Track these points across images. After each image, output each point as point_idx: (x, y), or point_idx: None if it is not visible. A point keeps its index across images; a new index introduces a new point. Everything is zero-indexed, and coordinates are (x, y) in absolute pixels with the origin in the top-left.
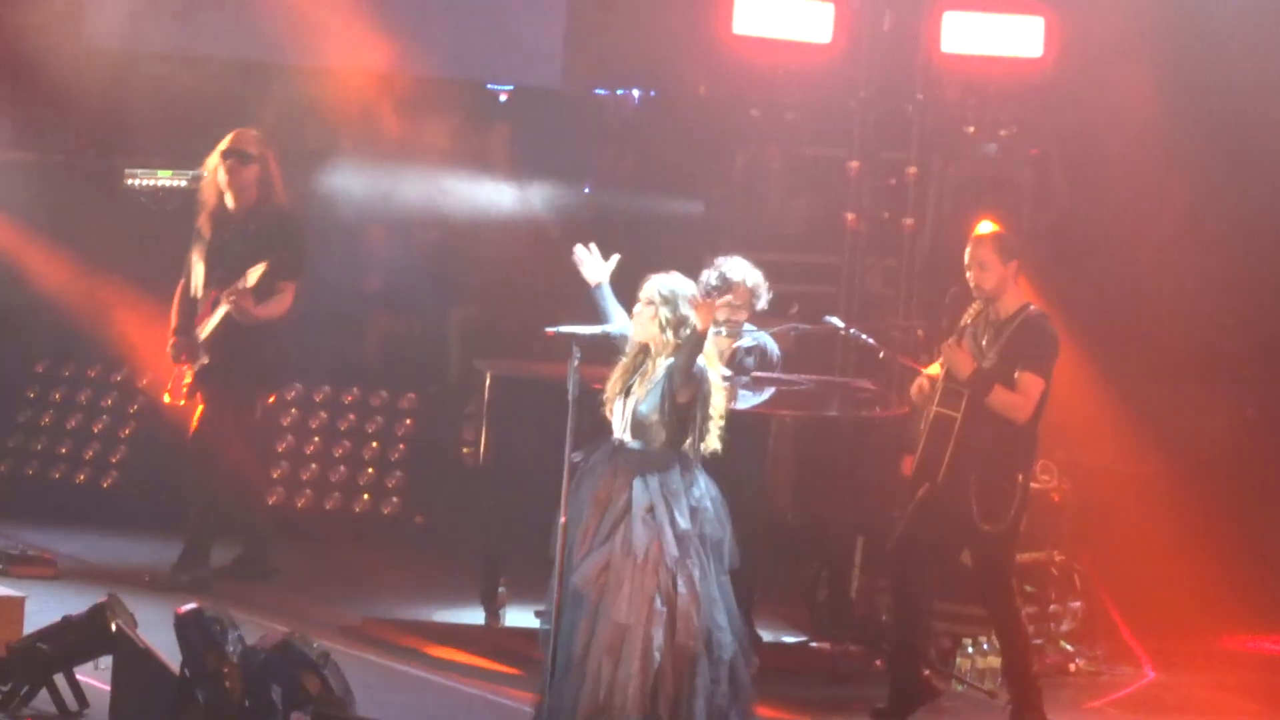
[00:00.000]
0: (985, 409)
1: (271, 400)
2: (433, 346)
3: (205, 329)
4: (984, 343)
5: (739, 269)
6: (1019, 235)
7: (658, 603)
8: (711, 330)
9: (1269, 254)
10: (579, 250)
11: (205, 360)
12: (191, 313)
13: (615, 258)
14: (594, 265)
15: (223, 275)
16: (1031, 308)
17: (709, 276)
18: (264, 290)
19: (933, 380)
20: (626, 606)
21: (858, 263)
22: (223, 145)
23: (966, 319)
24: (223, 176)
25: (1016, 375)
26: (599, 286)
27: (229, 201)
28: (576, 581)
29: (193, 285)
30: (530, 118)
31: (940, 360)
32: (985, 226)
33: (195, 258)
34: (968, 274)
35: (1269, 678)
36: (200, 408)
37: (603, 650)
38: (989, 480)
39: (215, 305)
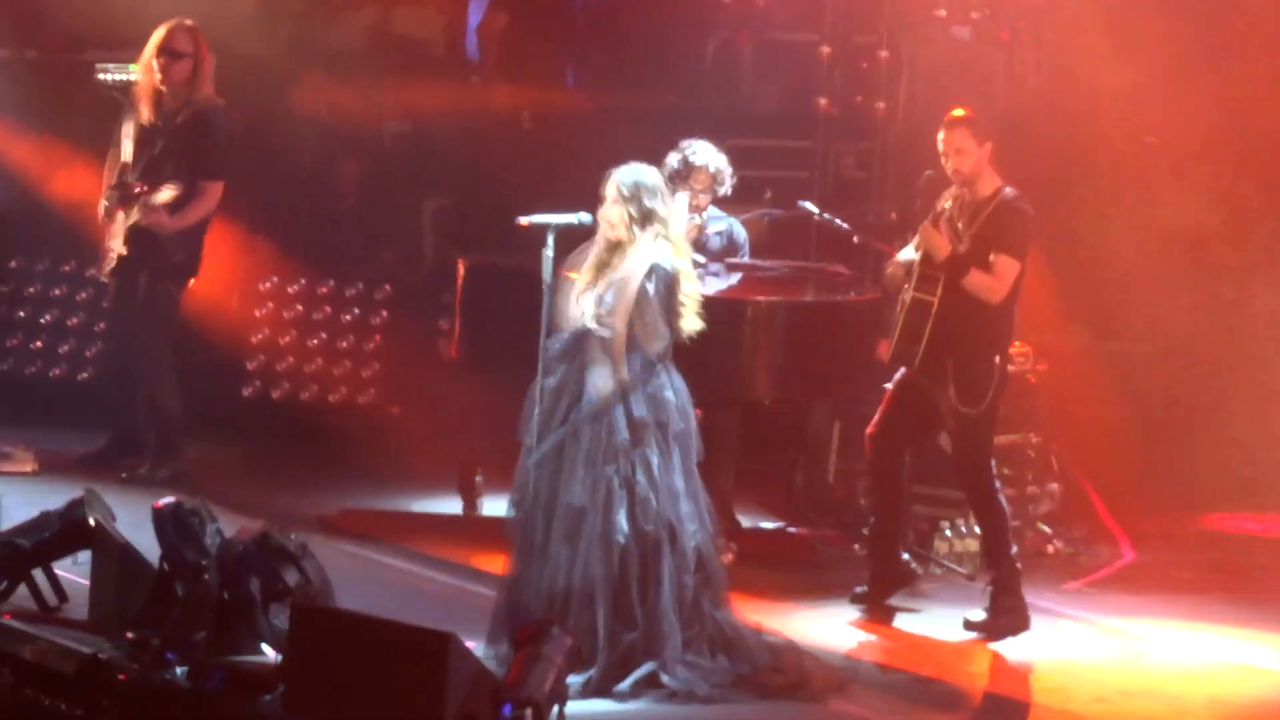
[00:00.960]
0: (961, 292)
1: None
2: (407, 238)
3: (127, 219)
4: (960, 226)
5: (702, 154)
6: (991, 119)
7: (616, 486)
8: (682, 214)
9: (1246, 132)
10: None
11: (124, 251)
12: (113, 185)
13: None
14: None
15: (145, 166)
16: (1007, 190)
17: (673, 159)
18: (183, 197)
19: (906, 265)
20: (579, 490)
21: (830, 147)
22: (156, 39)
23: (943, 203)
24: (156, 75)
25: (992, 258)
26: None
27: (162, 93)
28: (530, 466)
29: (122, 157)
30: (505, 11)
31: (915, 243)
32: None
33: (125, 133)
34: (943, 159)
35: (1245, 556)
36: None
37: (560, 534)
38: (966, 363)
39: (132, 201)
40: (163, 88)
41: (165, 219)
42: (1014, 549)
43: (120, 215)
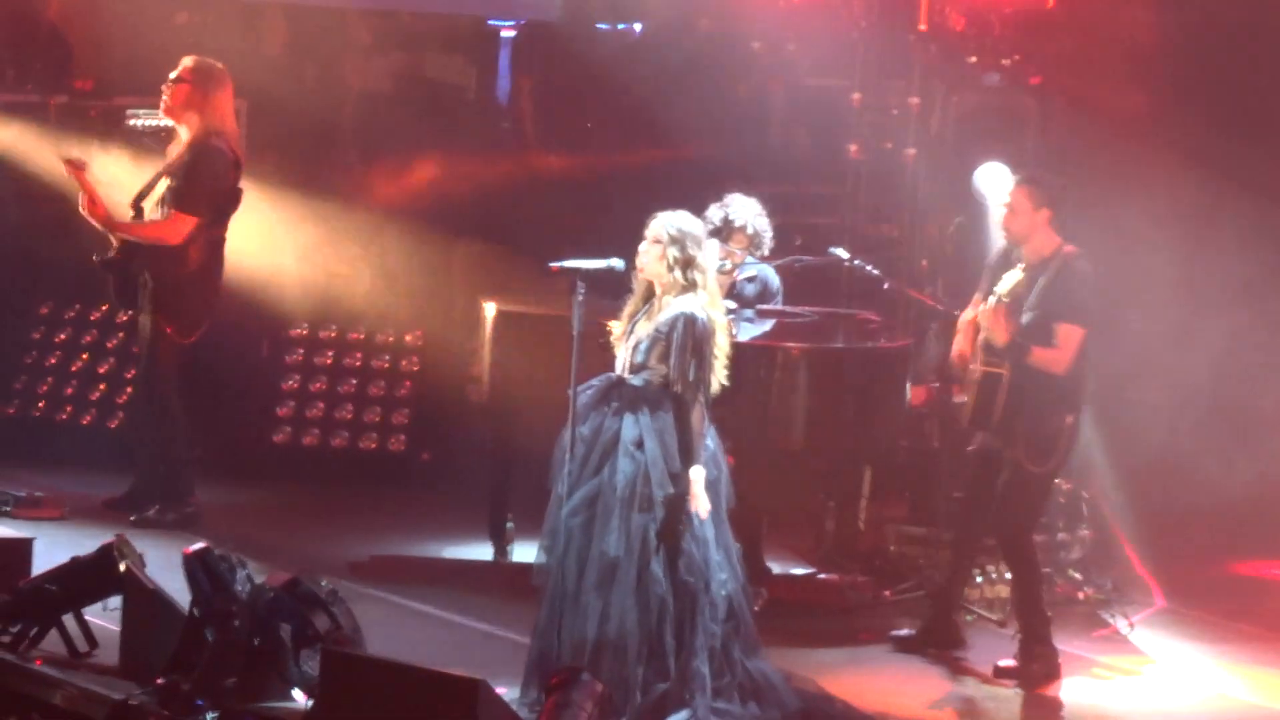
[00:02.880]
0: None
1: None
2: (437, 283)
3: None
4: (1020, 290)
5: (743, 213)
6: (1061, 186)
7: (650, 535)
8: (715, 261)
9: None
10: None
11: (114, 252)
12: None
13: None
14: None
15: (141, 194)
16: (1067, 249)
17: (714, 214)
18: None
19: (969, 337)
20: (615, 540)
21: (861, 194)
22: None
23: (1001, 288)
24: (163, 101)
25: (1055, 328)
26: None
27: (174, 129)
28: (565, 515)
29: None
30: (532, 53)
31: (976, 313)
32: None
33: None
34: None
35: (1277, 603)
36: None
37: (594, 584)
38: (1037, 423)
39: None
40: (168, 117)
41: (112, 221)
42: (1044, 597)
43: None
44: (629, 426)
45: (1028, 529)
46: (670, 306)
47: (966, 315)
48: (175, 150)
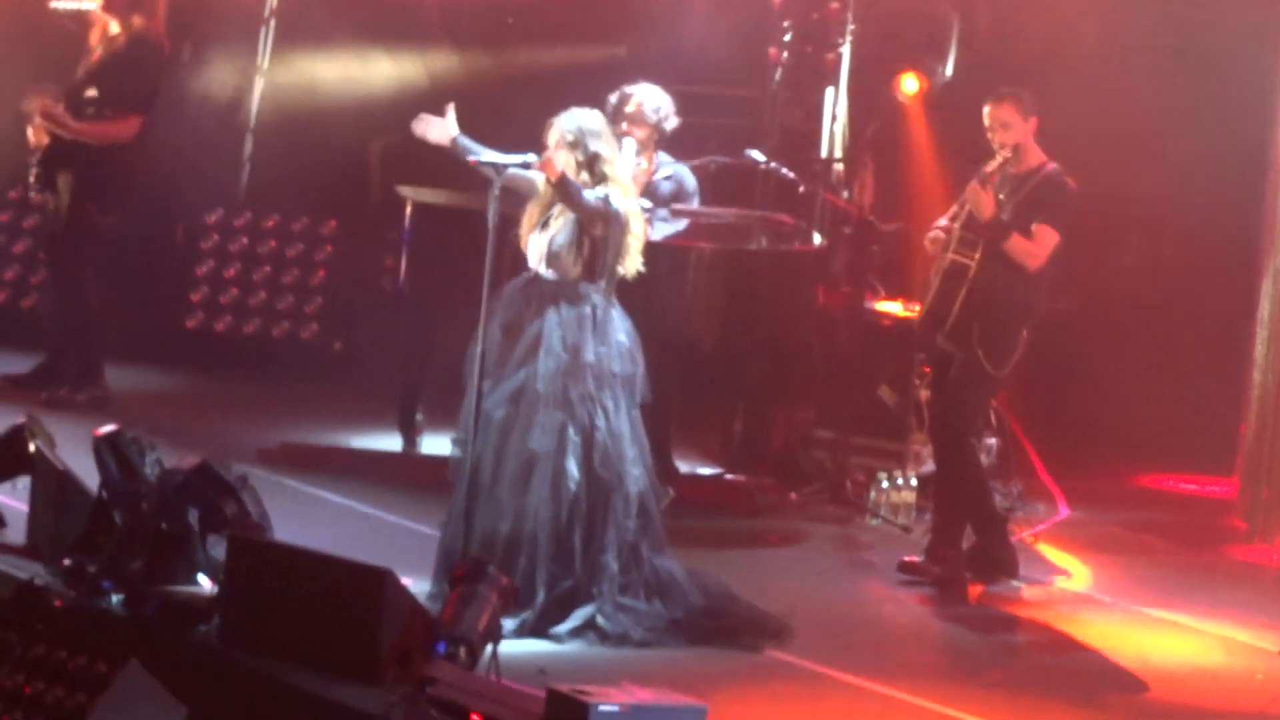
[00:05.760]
0: (998, 260)
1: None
2: (354, 172)
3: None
4: (1001, 196)
5: (640, 88)
6: (1035, 95)
7: (570, 433)
8: (630, 159)
9: (1193, 88)
10: (418, 122)
11: (46, 140)
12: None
13: (450, 107)
14: (439, 125)
15: (74, 89)
16: (1050, 165)
17: (611, 98)
18: (92, 113)
19: (948, 228)
20: (538, 435)
21: (779, 97)
22: None
23: (990, 167)
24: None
25: (1033, 227)
26: (455, 140)
27: (105, 20)
28: (488, 408)
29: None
30: None
31: (951, 214)
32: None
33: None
34: (989, 134)
35: (1178, 516)
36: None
37: (511, 478)
38: (994, 330)
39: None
40: (105, 14)
41: (63, 117)
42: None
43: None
44: (551, 324)
45: (969, 429)
46: None
47: (940, 224)
48: (98, 38)
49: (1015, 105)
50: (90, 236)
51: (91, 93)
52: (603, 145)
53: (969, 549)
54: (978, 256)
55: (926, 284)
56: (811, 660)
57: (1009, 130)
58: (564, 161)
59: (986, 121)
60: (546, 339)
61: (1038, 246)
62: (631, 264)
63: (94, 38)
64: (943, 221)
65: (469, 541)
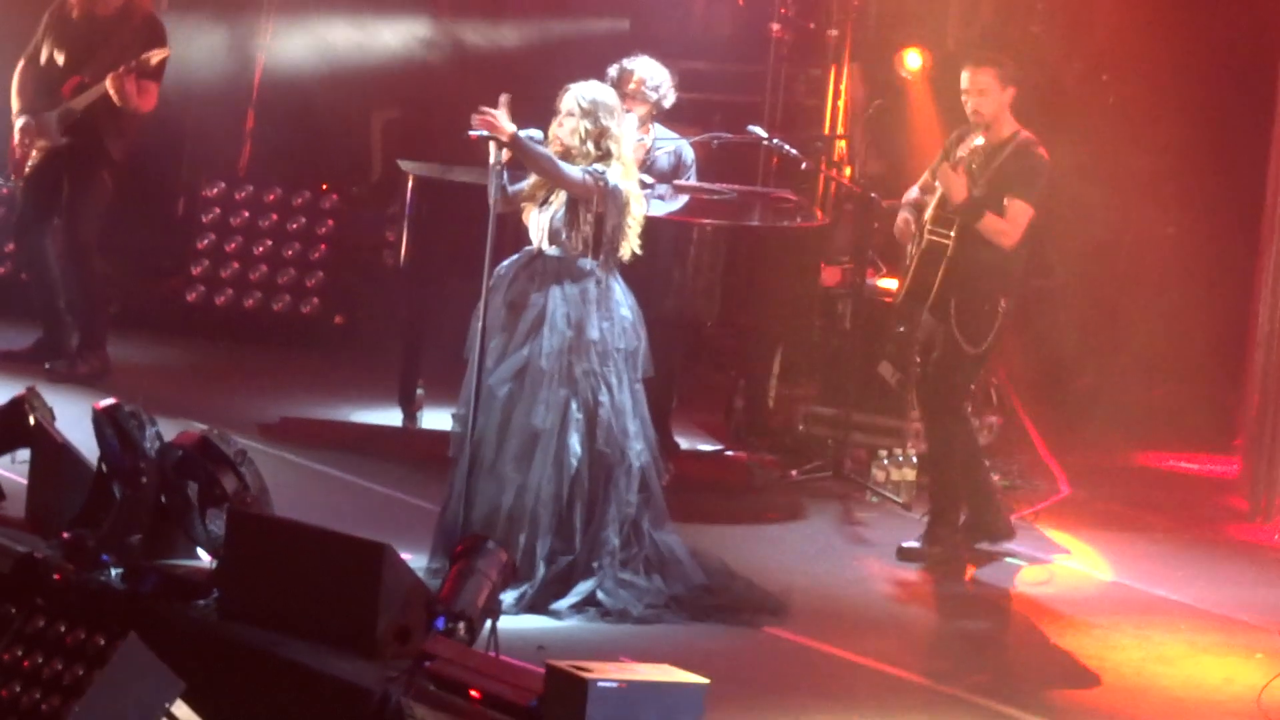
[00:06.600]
0: (975, 235)
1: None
2: (356, 147)
3: (79, 103)
4: (974, 166)
5: (639, 62)
6: (1017, 63)
7: (574, 409)
8: (630, 136)
9: (1195, 73)
10: (479, 115)
11: (64, 140)
12: (37, 93)
13: (504, 98)
14: (504, 120)
15: (94, 69)
16: (1022, 134)
17: (611, 70)
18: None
19: (916, 204)
20: (541, 412)
21: (782, 73)
22: None
23: (962, 150)
24: None
25: (1006, 202)
26: (514, 138)
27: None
28: (492, 385)
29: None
30: None
31: (922, 183)
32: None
33: (49, 42)
34: (964, 98)
35: (1179, 495)
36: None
37: (514, 454)
38: (971, 303)
39: (81, 89)
40: None
41: (132, 88)
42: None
43: (51, 116)
44: (555, 300)
45: (953, 408)
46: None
47: (912, 193)
48: (79, 10)
49: (995, 72)
50: (102, 204)
51: (159, 53)
52: (613, 123)
53: (964, 524)
54: (953, 234)
55: (907, 260)
56: (810, 637)
57: (985, 98)
58: (571, 129)
59: (964, 84)
60: (550, 316)
61: (1010, 224)
62: (628, 247)
63: (76, 11)
64: (913, 192)
65: (469, 517)
